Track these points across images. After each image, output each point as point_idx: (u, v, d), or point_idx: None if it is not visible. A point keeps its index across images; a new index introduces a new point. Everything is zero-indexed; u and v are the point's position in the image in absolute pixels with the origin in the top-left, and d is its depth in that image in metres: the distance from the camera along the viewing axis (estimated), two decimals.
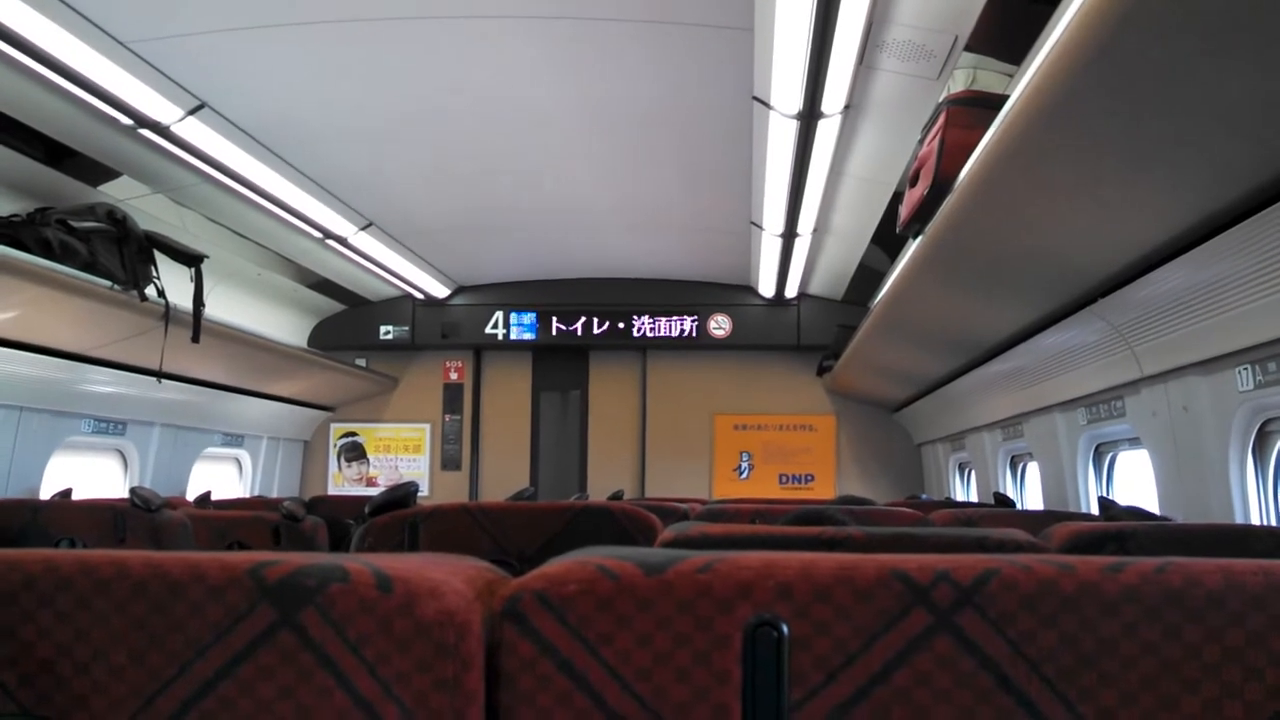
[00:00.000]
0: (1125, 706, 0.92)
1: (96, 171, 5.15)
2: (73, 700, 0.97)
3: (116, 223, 4.82)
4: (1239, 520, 3.34)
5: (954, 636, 0.93)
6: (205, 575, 0.97)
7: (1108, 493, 4.71)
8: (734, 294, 8.60)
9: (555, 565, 0.99)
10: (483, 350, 9.15)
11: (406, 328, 8.79)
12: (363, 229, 6.34)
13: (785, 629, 0.94)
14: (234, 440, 7.56)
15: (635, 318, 8.70)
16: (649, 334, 8.72)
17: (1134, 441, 4.37)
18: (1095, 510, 4.47)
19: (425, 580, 0.95)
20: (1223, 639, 0.92)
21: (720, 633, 0.95)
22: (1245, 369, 3.17)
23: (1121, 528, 2.18)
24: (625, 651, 0.95)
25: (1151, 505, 3.71)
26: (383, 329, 8.80)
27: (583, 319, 8.72)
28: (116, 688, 0.96)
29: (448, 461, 9.14)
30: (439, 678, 0.93)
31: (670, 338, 8.73)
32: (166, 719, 0.96)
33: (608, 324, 8.72)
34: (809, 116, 4.04)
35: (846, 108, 4.00)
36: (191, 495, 6.09)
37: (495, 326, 8.76)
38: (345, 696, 0.94)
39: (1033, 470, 5.91)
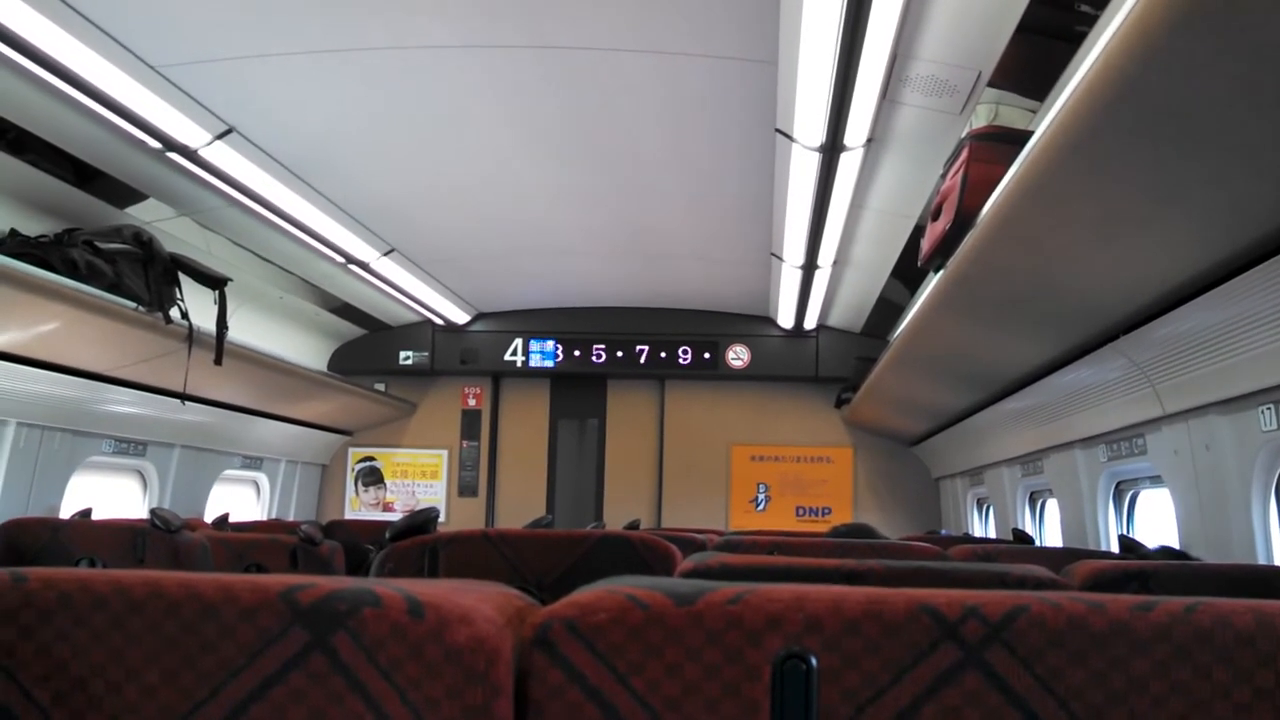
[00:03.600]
0: None
1: (124, 194, 5.20)
2: (105, 719, 0.97)
3: (142, 245, 4.86)
4: (1261, 561, 3.32)
5: (983, 672, 0.93)
6: (238, 597, 0.98)
7: (1128, 531, 4.68)
8: (753, 325, 8.59)
9: (585, 594, 0.99)
10: (501, 377, 9.16)
11: (426, 353, 8.81)
12: (385, 255, 6.38)
13: (814, 661, 0.94)
14: (253, 463, 7.58)
15: (654, 347, 8.70)
16: (667, 363, 8.72)
17: (1155, 480, 4.35)
18: (1115, 548, 4.44)
19: (456, 606, 0.96)
20: (1253, 680, 0.92)
21: (750, 664, 0.95)
22: (1268, 409, 3.16)
23: (1143, 566, 2.17)
24: (654, 681, 0.95)
25: (1172, 544, 3.69)
26: (402, 354, 8.82)
27: (601, 347, 8.73)
28: (149, 707, 0.97)
29: (465, 488, 9.14)
30: (469, 704, 0.93)
31: (688, 367, 8.72)
32: None
33: (626, 353, 8.71)
34: (831, 149, 4.05)
35: (869, 141, 4.01)
36: (209, 517, 6.11)
37: (514, 353, 8.78)
38: None
39: (1052, 507, 5.88)
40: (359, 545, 5.28)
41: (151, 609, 0.98)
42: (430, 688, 0.93)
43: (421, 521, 2.57)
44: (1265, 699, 0.91)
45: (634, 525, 5.57)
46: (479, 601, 0.98)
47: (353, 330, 8.64)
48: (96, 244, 4.64)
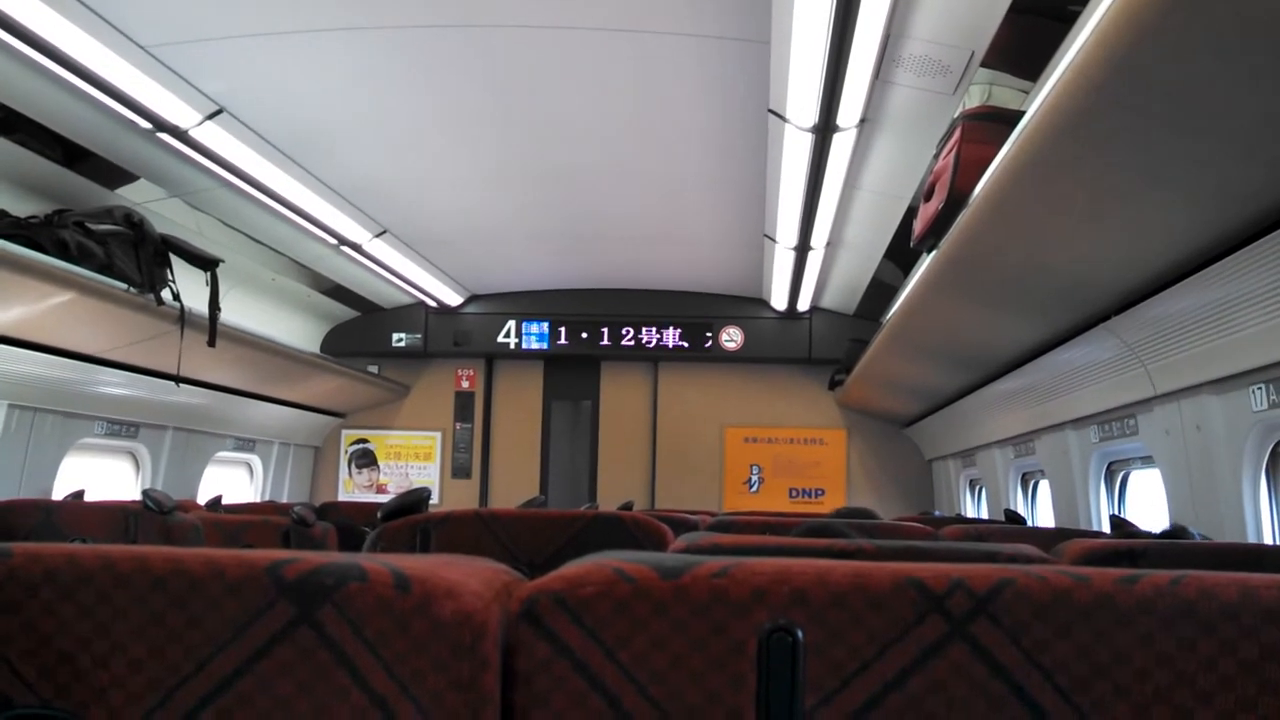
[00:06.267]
0: (1139, 718, 0.92)
1: (114, 174, 5.18)
2: (92, 694, 0.97)
3: (133, 226, 4.84)
4: (1251, 541, 3.33)
5: (968, 645, 0.93)
6: (224, 572, 0.98)
7: (1120, 511, 4.69)
8: (746, 306, 8.60)
9: (572, 568, 0.99)
10: (494, 359, 9.16)
11: (419, 335, 8.81)
12: (377, 236, 6.37)
13: (800, 635, 0.94)
14: (246, 445, 7.58)
15: (647, 329, 8.71)
16: (661, 345, 8.73)
17: (1146, 460, 4.36)
18: (1107, 528, 4.45)
19: (443, 581, 0.96)
20: (1237, 652, 0.92)
21: (735, 637, 0.95)
22: (1259, 388, 3.17)
23: (1133, 545, 2.17)
24: (641, 654, 0.95)
25: (1163, 525, 3.70)
26: (395, 336, 8.82)
27: (595, 329, 8.74)
28: (135, 682, 0.97)
29: (458, 470, 9.14)
30: (455, 678, 0.93)
31: (682, 349, 8.73)
32: (185, 714, 0.96)
33: (620, 334, 8.73)
34: (824, 130, 4.05)
35: (862, 121, 4.00)
36: (203, 499, 6.10)
37: (507, 335, 8.78)
38: (362, 694, 0.94)
39: (1044, 488, 5.90)
40: (353, 527, 5.27)
41: (137, 583, 0.98)
42: (417, 661, 0.93)
43: (413, 501, 2.57)
44: (1249, 671, 0.92)
45: (627, 507, 5.56)
46: (466, 576, 0.98)
47: (345, 312, 8.63)
48: (87, 225, 4.62)
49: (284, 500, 7.88)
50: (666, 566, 0.98)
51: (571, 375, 9.16)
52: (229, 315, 5.59)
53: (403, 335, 8.82)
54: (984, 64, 3.69)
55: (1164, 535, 2.88)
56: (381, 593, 0.95)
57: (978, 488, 7.49)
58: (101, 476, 5.89)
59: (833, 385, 8.65)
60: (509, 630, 0.97)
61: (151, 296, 4.84)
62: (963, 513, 7.56)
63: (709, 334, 8.69)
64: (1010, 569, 0.96)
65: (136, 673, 0.97)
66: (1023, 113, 2.88)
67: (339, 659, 0.95)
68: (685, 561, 0.98)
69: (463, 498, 8.98)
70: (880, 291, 7.19)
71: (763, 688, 0.94)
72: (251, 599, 0.97)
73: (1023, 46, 4.00)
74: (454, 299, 8.56)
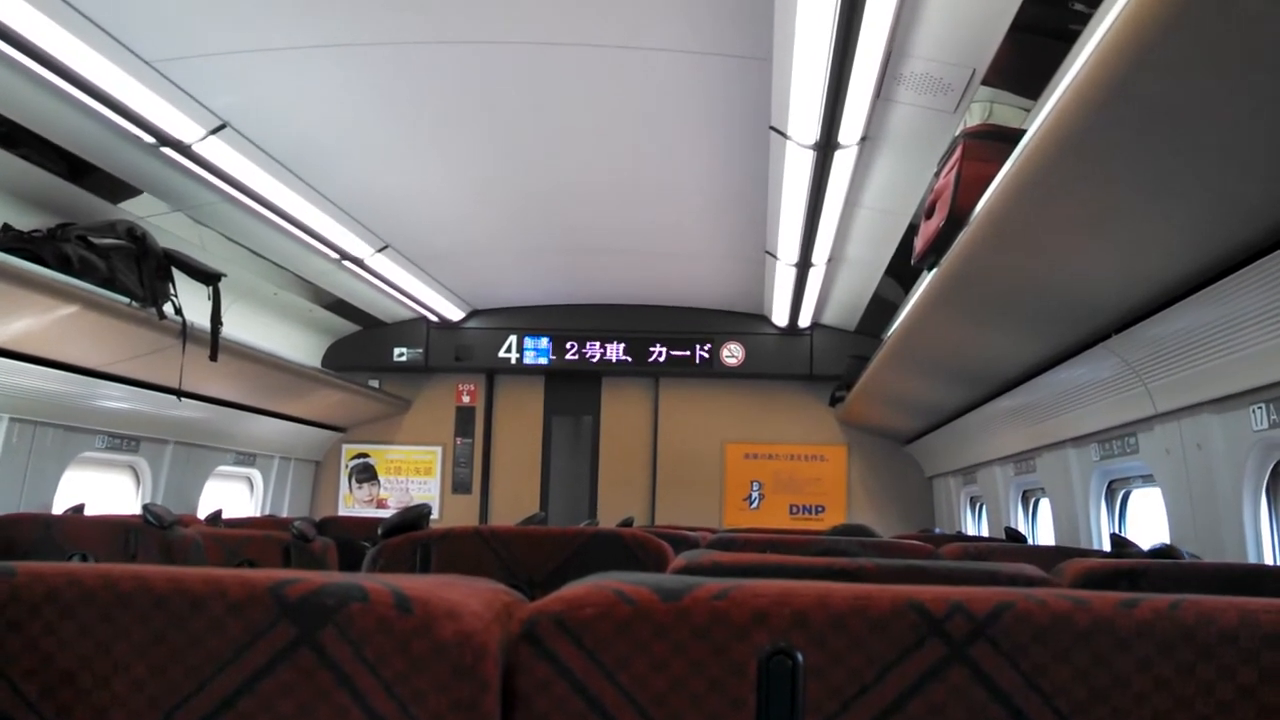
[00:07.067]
0: None
1: (117, 188, 5.18)
2: (93, 713, 0.97)
3: (136, 240, 4.85)
4: (1252, 560, 3.33)
5: (968, 668, 0.93)
6: (226, 591, 0.98)
7: (1120, 530, 4.69)
8: (747, 322, 8.60)
9: (572, 589, 0.99)
10: (495, 374, 9.16)
11: (420, 350, 8.80)
12: (379, 251, 6.37)
13: (800, 658, 0.94)
14: (246, 459, 7.57)
15: (648, 344, 8.71)
16: (662, 361, 8.73)
17: (1147, 479, 4.36)
18: (1107, 547, 4.45)
19: (443, 601, 0.96)
20: (1235, 677, 0.92)
21: (735, 660, 0.95)
22: (1259, 408, 3.17)
23: (1134, 565, 2.17)
24: (641, 676, 0.95)
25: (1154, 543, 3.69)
26: (396, 351, 8.82)
27: (596, 345, 8.73)
28: (136, 701, 0.97)
29: (458, 485, 9.13)
30: (456, 699, 0.93)
31: (683, 365, 8.73)
32: None
33: (621, 350, 8.72)
34: (825, 147, 4.05)
35: (863, 139, 4.01)
36: (203, 513, 6.10)
37: (508, 350, 8.78)
38: (362, 715, 0.94)
39: (1045, 506, 5.89)
40: (353, 542, 5.26)
41: (139, 602, 0.98)
42: (417, 682, 0.94)
43: (414, 518, 2.57)
44: (1247, 696, 0.92)
45: (628, 523, 5.56)
46: (466, 596, 0.98)
47: (347, 326, 8.63)
48: (90, 239, 4.63)
49: (284, 515, 7.87)
50: (666, 588, 0.98)
51: (572, 390, 9.15)
52: (231, 329, 5.59)
53: (404, 350, 8.82)
54: (985, 82, 3.70)
55: (1152, 554, 2.87)
56: (382, 614, 0.95)
57: (978, 505, 7.48)
58: (102, 491, 5.88)
59: (833, 402, 8.65)
60: (509, 651, 0.97)
61: (153, 310, 4.84)
62: (963, 530, 7.55)
63: (710, 350, 8.69)
64: (1010, 592, 0.96)
65: (138, 692, 0.97)
66: (1024, 131, 2.89)
67: (340, 680, 0.95)
68: (685, 583, 0.98)
69: (463, 513, 8.97)
70: (881, 308, 7.19)
71: (762, 711, 0.94)
72: (253, 619, 0.97)
73: (1024, 65, 4.01)
74: (455, 314, 8.56)
